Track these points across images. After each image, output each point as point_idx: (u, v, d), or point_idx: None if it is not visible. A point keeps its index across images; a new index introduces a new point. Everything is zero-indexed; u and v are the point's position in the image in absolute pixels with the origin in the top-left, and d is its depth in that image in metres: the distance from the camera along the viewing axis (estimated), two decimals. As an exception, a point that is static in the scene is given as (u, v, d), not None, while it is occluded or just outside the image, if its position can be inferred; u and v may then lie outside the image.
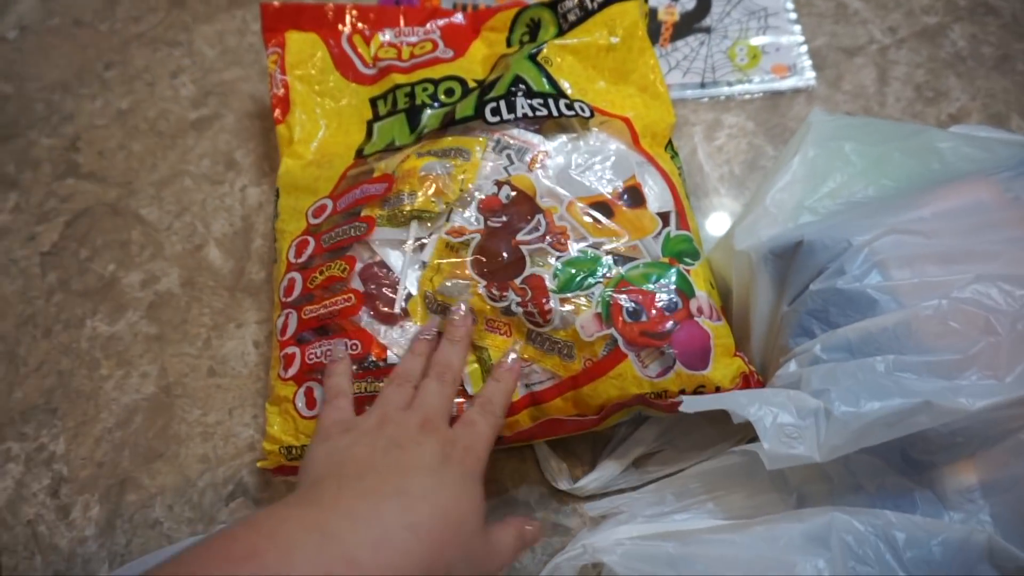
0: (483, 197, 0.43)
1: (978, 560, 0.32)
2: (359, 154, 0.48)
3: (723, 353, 0.40)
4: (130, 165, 0.55)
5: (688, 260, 0.42)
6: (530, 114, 0.44)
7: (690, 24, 0.59)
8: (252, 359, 0.49)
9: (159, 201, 0.54)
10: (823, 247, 0.38)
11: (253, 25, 0.60)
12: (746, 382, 0.40)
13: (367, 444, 0.34)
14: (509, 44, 0.51)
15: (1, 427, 0.47)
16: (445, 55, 0.51)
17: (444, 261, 0.42)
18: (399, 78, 0.50)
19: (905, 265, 0.36)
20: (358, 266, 0.43)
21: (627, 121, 0.46)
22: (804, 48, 0.57)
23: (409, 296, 0.42)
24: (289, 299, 0.44)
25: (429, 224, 0.43)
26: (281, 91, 0.50)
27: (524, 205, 0.43)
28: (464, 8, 0.56)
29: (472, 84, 0.49)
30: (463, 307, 0.40)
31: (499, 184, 0.43)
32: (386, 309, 0.42)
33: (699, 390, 0.39)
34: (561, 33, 0.49)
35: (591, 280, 0.40)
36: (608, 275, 0.40)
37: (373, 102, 0.50)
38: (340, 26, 0.52)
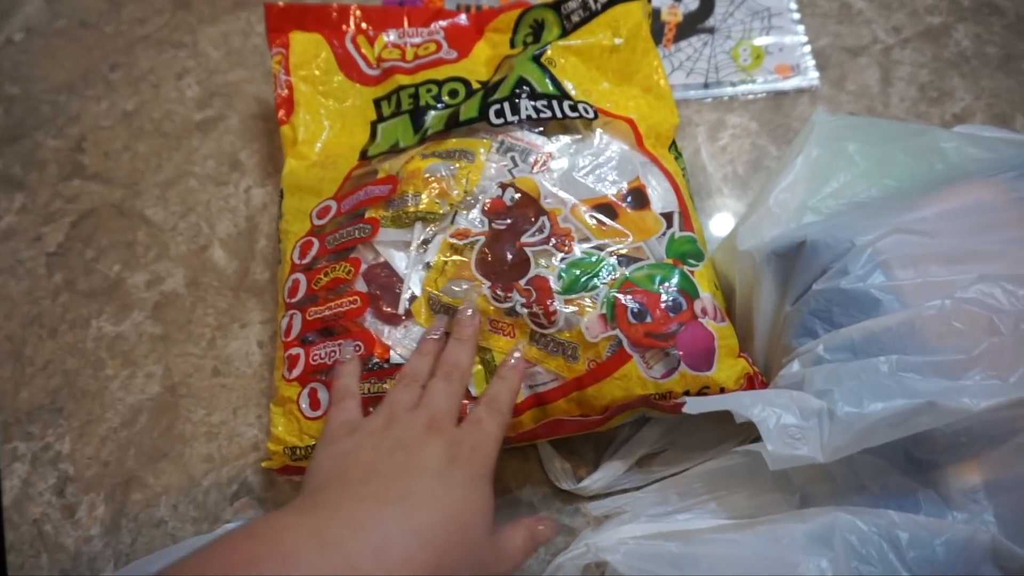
0: (488, 200, 0.43)
1: (982, 560, 0.32)
2: (363, 155, 0.48)
3: (727, 354, 0.40)
4: (135, 166, 0.56)
5: (692, 261, 0.42)
6: (534, 116, 0.44)
7: (693, 24, 0.59)
8: (256, 359, 0.49)
9: (164, 202, 0.54)
10: (826, 247, 0.38)
11: (257, 27, 0.60)
12: (750, 383, 0.40)
13: (372, 446, 0.34)
14: (513, 45, 0.51)
15: (7, 426, 0.48)
16: (449, 56, 0.51)
17: (448, 262, 0.42)
18: (403, 79, 0.50)
19: (908, 265, 0.36)
20: (362, 268, 0.43)
21: (631, 122, 0.46)
22: (808, 48, 0.57)
23: (413, 297, 0.42)
24: (293, 300, 0.44)
25: (433, 225, 0.43)
26: (285, 92, 0.51)
27: (528, 207, 0.43)
28: (468, 9, 0.56)
29: (476, 85, 0.49)
30: (471, 306, 0.40)
31: (503, 186, 0.43)
32: (390, 310, 0.42)
33: (703, 391, 0.39)
34: (565, 34, 0.49)
35: (595, 281, 0.40)
36: (612, 276, 0.40)
37: (377, 103, 0.50)
38: (344, 27, 0.53)
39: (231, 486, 0.45)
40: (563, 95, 0.46)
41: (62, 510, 0.45)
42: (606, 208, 0.43)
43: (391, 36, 0.52)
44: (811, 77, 0.56)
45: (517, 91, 0.45)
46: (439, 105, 0.49)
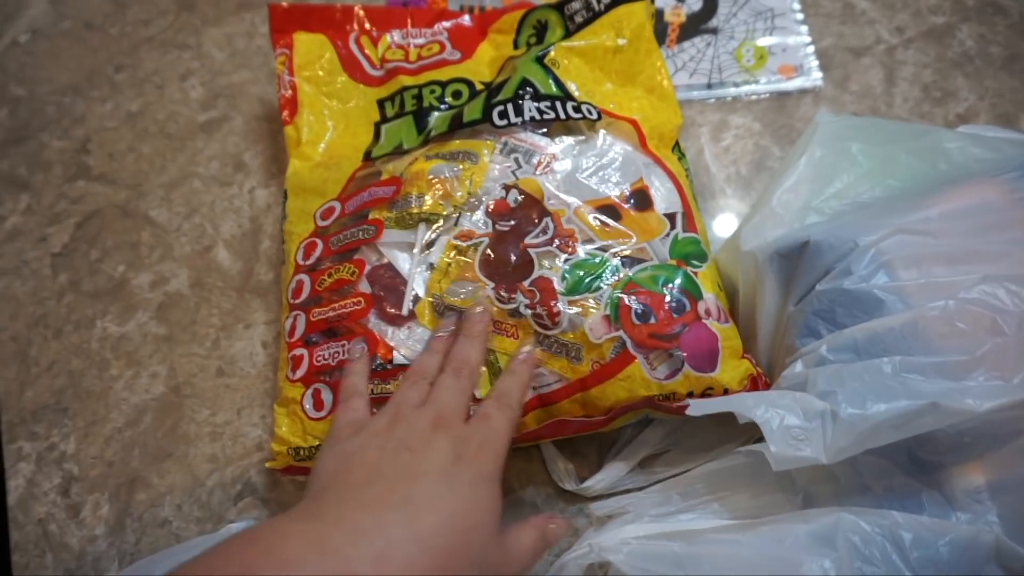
0: (492, 201, 0.43)
1: (985, 561, 0.32)
2: (367, 156, 0.48)
3: (731, 355, 0.40)
4: (140, 167, 0.56)
5: (696, 262, 0.42)
6: (537, 117, 0.45)
7: (696, 25, 0.59)
8: (260, 359, 0.49)
9: (168, 203, 0.54)
10: (829, 247, 0.38)
11: (261, 28, 0.60)
12: (754, 384, 0.40)
13: (376, 447, 0.34)
14: (516, 46, 0.51)
15: (13, 426, 0.48)
16: (452, 57, 0.51)
17: (452, 264, 0.42)
18: (406, 80, 0.50)
19: (912, 265, 0.36)
20: (366, 269, 0.43)
21: (634, 123, 0.46)
22: (811, 49, 0.57)
23: (417, 298, 0.42)
24: (297, 301, 0.44)
25: (437, 227, 0.43)
26: (289, 92, 0.51)
27: (532, 208, 0.43)
28: (471, 10, 0.56)
29: (479, 86, 0.49)
30: (482, 304, 0.40)
31: (507, 188, 0.43)
32: (393, 311, 0.42)
33: (707, 392, 0.39)
34: (568, 35, 0.49)
35: (599, 283, 0.40)
36: (616, 277, 0.41)
37: (380, 104, 0.51)
38: (348, 27, 0.53)
39: (235, 486, 0.45)
40: (566, 96, 0.46)
41: (67, 510, 0.45)
42: (610, 209, 0.43)
43: (395, 37, 0.52)
44: (814, 78, 0.56)
45: (521, 92, 0.45)
46: (442, 106, 0.49)
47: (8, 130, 0.57)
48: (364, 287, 0.43)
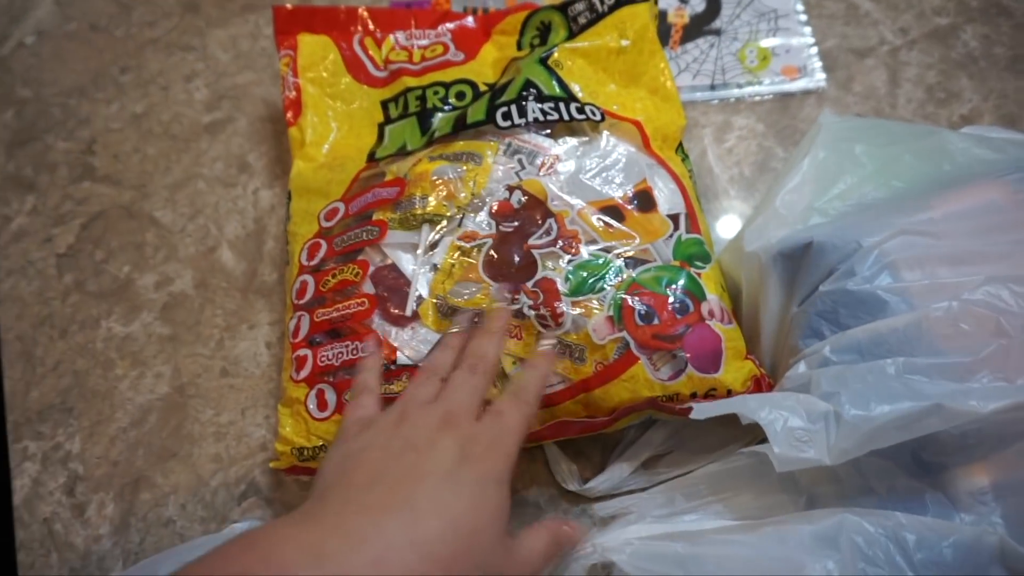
0: (495, 202, 0.43)
1: (989, 562, 0.32)
2: (371, 157, 0.48)
3: (734, 356, 0.40)
4: (144, 168, 0.56)
5: (699, 263, 0.42)
6: (541, 118, 0.45)
7: (700, 26, 0.59)
8: (264, 360, 0.49)
9: (173, 204, 0.55)
10: (833, 248, 0.38)
11: (266, 29, 0.60)
12: (757, 385, 0.40)
13: (381, 446, 0.33)
14: (520, 47, 0.51)
15: (18, 426, 0.48)
16: (456, 58, 0.51)
17: (456, 265, 0.42)
18: (410, 81, 0.50)
19: (915, 266, 0.36)
20: (370, 270, 0.43)
21: (638, 124, 0.46)
22: (814, 50, 0.57)
23: (420, 299, 0.42)
24: (301, 302, 0.44)
25: (441, 228, 0.43)
26: (293, 94, 0.51)
27: (536, 209, 0.43)
28: (475, 11, 0.56)
29: (483, 87, 0.49)
30: (504, 301, 0.39)
31: (511, 189, 0.43)
32: (397, 312, 0.42)
33: (711, 393, 0.39)
34: (571, 36, 0.49)
35: (603, 284, 0.40)
36: (620, 278, 0.41)
37: (384, 105, 0.51)
38: (352, 29, 0.53)
39: (239, 486, 0.46)
40: (570, 97, 0.46)
41: (72, 509, 0.45)
42: (613, 210, 0.43)
43: (398, 38, 0.52)
44: (818, 79, 0.56)
45: (524, 93, 0.46)
46: (446, 107, 0.49)
47: (14, 131, 0.58)
48: (368, 288, 0.43)
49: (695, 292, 0.41)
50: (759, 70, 0.57)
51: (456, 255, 0.42)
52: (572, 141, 0.46)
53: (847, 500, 0.36)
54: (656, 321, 0.40)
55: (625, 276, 0.41)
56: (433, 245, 0.43)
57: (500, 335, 0.38)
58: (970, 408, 0.31)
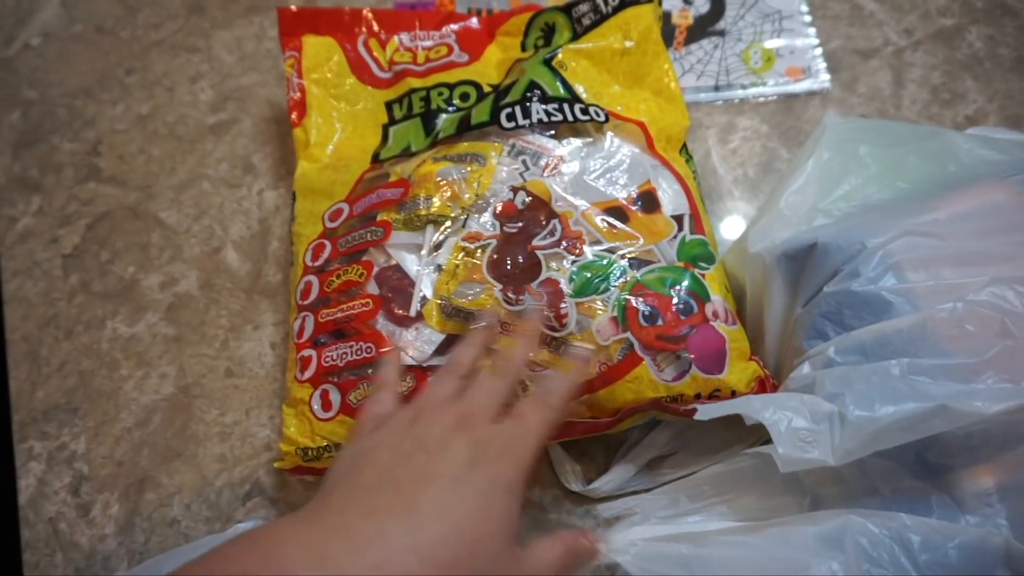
0: (499, 203, 0.43)
1: (994, 563, 0.32)
2: (375, 158, 0.48)
3: (739, 357, 0.40)
4: (150, 169, 0.56)
5: (703, 264, 0.42)
6: (545, 119, 0.45)
7: (704, 27, 0.59)
8: (269, 360, 0.49)
9: (178, 204, 0.55)
10: (837, 249, 0.38)
11: (270, 31, 0.61)
12: (761, 386, 0.40)
13: (391, 446, 0.32)
14: (524, 48, 0.51)
15: (24, 426, 0.48)
16: (460, 59, 0.51)
17: (460, 265, 0.42)
18: (414, 82, 0.50)
19: (920, 267, 0.36)
20: (374, 270, 0.43)
21: (642, 125, 0.46)
22: (819, 51, 0.57)
23: (424, 300, 0.42)
24: (306, 302, 0.44)
25: (445, 228, 0.43)
26: (298, 95, 0.51)
27: (540, 210, 0.43)
28: (479, 13, 0.56)
29: (487, 88, 0.49)
30: (540, 305, 0.38)
31: (515, 190, 0.44)
32: (401, 312, 0.42)
33: (715, 394, 0.39)
34: (575, 37, 0.49)
35: (607, 284, 0.40)
36: (624, 279, 0.41)
37: (389, 106, 0.51)
38: (356, 30, 0.53)
39: (243, 486, 0.46)
40: (574, 98, 0.46)
41: (77, 509, 0.46)
42: (617, 211, 0.43)
43: (403, 39, 0.53)
44: (822, 80, 0.56)
45: (528, 95, 0.46)
46: (450, 108, 0.49)
47: (20, 133, 0.58)
48: (372, 288, 0.43)
49: (699, 293, 0.41)
50: (763, 71, 0.57)
51: (460, 256, 0.42)
52: (576, 142, 0.46)
53: (851, 501, 0.36)
54: (660, 322, 0.40)
55: (629, 277, 0.41)
56: (437, 246, 0.43)
57: (533, 339, 0.38)
58: (975, 409, 0.31)
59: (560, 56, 0.48)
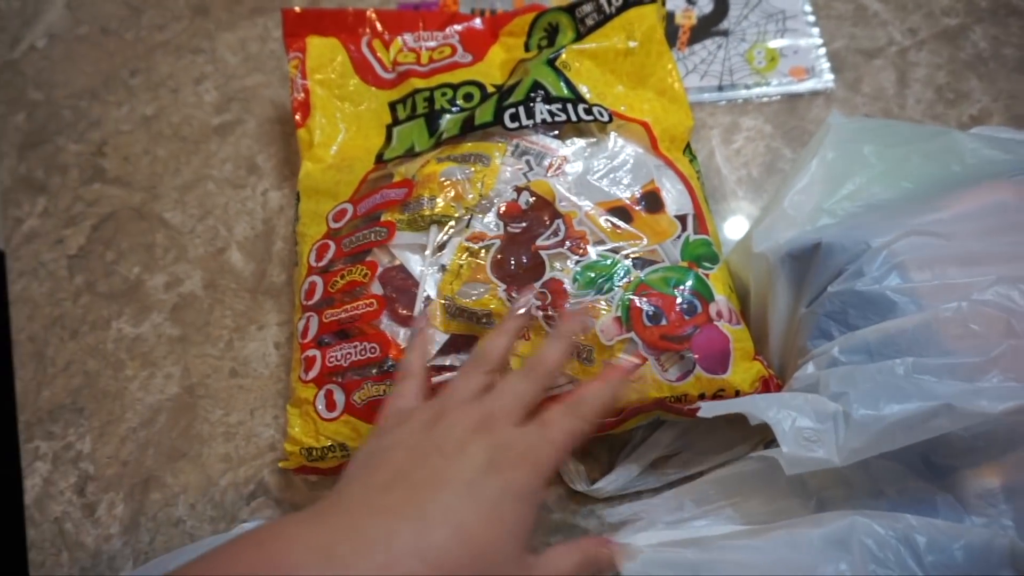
0: (503, 203, 0.43)
1: (1000, 564, 0.32)
2: (379, 159, 0.48)
3: (743, 357, 0.40)
4: (155, 170, 0.56)
5: (707, 264, 0.42)
6: (549, 119, 0.45)
7: (707, 28, 0.59)
8: (273, 360, 0.49)
9: (183, 205, 0.55)
10: (842, 249, 0.38)
11: (274, 32, 0.61)
12: (765, 386, 0.40)
13: (409, 447, 0.32)
14: (527, 49, 0.51)
15: (30, 426, 0.48)
16: (464, 60, 0.51)
17: (464, 265, 0.42)
18: (418, 82, 0.50)
19: (925, 267, 0.36)
20: (378, 270, 0.43)
21: (645, 125, 0.46)
22: (822, 50, 0.57)
23: (428, 300, 0.42)
24: (310, 302, 0.44)
25: (449, 228, 0.43)
26: (302, 95, 0.51)
27: (543, 210, 0.43)
28: (482, 13, 0.56)
29: (491, 89, 0.49)
30: (584, 306, 0.36)
31: (519, 190, 0.44)
32: (405, 312, 0.42)
33: (719, 394, 0.39)
34: (579, 38, 0.49)
35: (611, 284, 0.40)
36: (627, 279, 0.41)
37: (392, 106, 0.51)
38: (360, 31, 0.53)
39: (248, 486, 0.46)
40: (578, 99, 0.46)
41: (82, 509, 0.46)
42: (621, 211, 0.43)
43: (406, 40, 0.53)
44: (826, 79, 0.56)
45: (532, 95, 0.46)
46: (454, 108, 0.49)
47: (26, 134, 0.58)
48: (376, 289, 0.43)
49: (703, 293, 0.41)
50: (767, 71, 0.57)
51: (464, 256, 0.42)
52: (580, 142, 0.46)
53: (857, 503, 0.36)
54: (664, 322, 0.39)
55: (633, 277, 0.41)
56: (441, 246, 0.43)
57: (570, 342, 0.36)
58: (980, 408, 0.31)
59: (564, 56, 0.48)
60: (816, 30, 0.58)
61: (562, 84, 0.46)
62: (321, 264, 0.45)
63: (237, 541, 0.29)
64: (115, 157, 0.57)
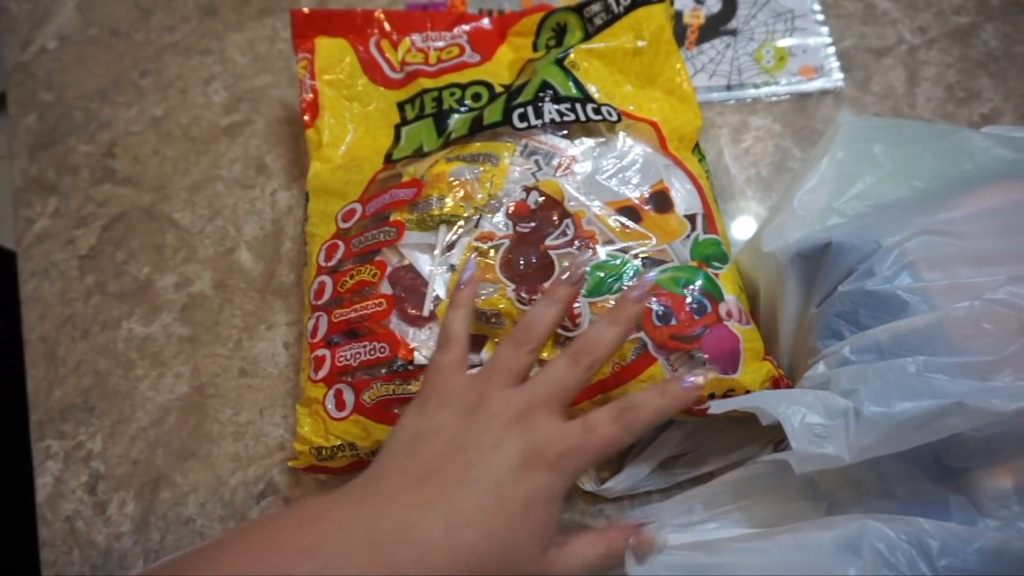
0: (512, 203, 0.43)
1: (1016, 568, 0.31)
2: (387, 159, 0.49)
3: (752, 357, 0.40)
4: (164, 170, 0.57)
5: (716, 264, 0.42)
6: (557, 119, 0.45)
7: (716, 27, 0.59)
8: (282, 360, 0.49)
9: (192, 205, 0.55)
10: (852, 248, 0.38)
11: (283, 32, 0.61)
12: (775, 386, 0.40)
13: (448, 438, 0.32)
14: (535, 49, 0.51)
15: (41, 425, 0.49)
16: (472, 59, 0.51)
17: (481, 272, 0.42)
18: (426, 82, 0.50)
19: (936, 266, 0.36)
20: (388, 270, 0.43)
21: (654, 125, 0.46)
22: (832, 49, 0.57)
23: (438, 299, 0.42)
24: (319, 302, 0.44)
25: (458, 228, 0.43)
26: (310, 96, 0.51)
27: (552, 210, 0.43)
28: (490, 13, 0.56)
29: (499, 89, 0.49)
30: (646, 280, 0.35)
31: (527, 190, 0.44)
32: (415, 312, 0.42)
33: (728, 394, 0.39)
34: (587, 37, 0.49)
35: (620, 284, 0.40)
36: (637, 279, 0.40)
37: (401, 106, 0.51)
38: (368, 31, 0.53)
39: (258, 485, 0.46)
40: (586, 98, 0.46)
41: (93, 507, 0.46)
42: (630, 211, 0.43)
43: (415, 40, 0.53)
44: (835, 78, 0.56)
45: (541, 95, 0.46)
46: (462, 108, 0.49)
47: (37, 135, 0.59)
48: (385, 288, 0.43)
49: (713, 293, 0.40)
50: (776, 70, 0.57)
51: (473, 256, 0.42)
52: (589, 142, 0.46)
53: (868, 505, 0.36)
54: (674, 322, 0.39)
55: (651, 280, 0.40)
56: (450, 246, 0.43)
57: (626, 327, 0.35)
58: (992, 407, 0.31)
59: (572, 56, 0.47)
60: (825, 29, 0.58)
61: (571, 84, 0.46)
62: (330, 264, 0.45)
63: (286, 516, 0.31)
64: (125, 158, 0.57)
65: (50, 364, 0.50)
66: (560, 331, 0.40)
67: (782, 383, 0.40)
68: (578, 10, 0.50)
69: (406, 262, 0.44)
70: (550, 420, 0.32)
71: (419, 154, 0.48)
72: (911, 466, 0.35)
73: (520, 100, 0.46)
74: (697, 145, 0.48)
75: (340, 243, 0.46)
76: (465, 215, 0.43)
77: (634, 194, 0.44)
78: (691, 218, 0.43)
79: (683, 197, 0.44)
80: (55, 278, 0.53)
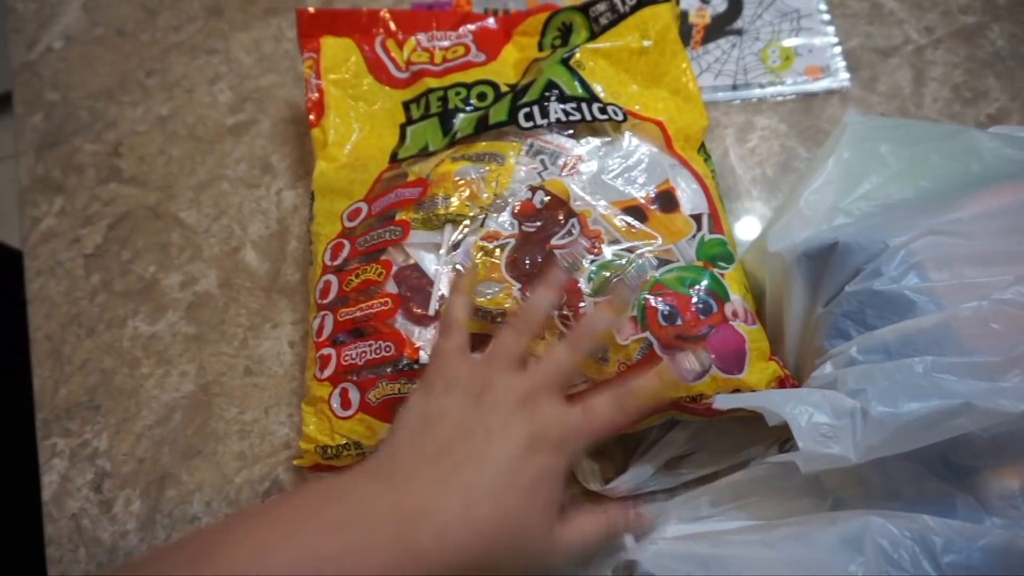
0: (518, 203, 0.43)
1: (1021, 566, 0.31)
2: (393, 158, 0.49)
3: (758, 357, 0.40)
4: (170, 170, 0.57)
5: (722, 264, 0.42)
6: (563, 119, 0.45)
7: (721, 27, 0.59)
8: (287, 359, 0.49)
9: (198, 204, 0.55)
10: (859, 248, 0.38)
11: (288, 32, 0.61)
12: (781, 386, 0.40)
13: (455, 421, 0.34)
14: (541, 48, 0.51)
15: (47, 423, 0.49)
16: (477, 59, 0.51)
17: (479, 264, 0.42)
18: (432, 82, 0.51)
19: (944, 266, 0.36)
20: (393, 269, 0.43)
21: (660, 124, 0.46)
22: (838, 49, 0.57)
23: (443, 299, 0.42)
24: (325, 301, 0.45)
25: (464, 228, 0.43)
26: (316, 95, 0.51)
27: (558, 209, 0.43)
28: (496, 12, 0.56)
29: (504, 88, 0.49)
30: (640, 272, 0.37)
31: (533, 189, 0.44)
32: (420, 311, 0.42)
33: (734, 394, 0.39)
34: (593, 37, 0.49)
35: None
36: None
37: (406, 106, 0.51)
38: (374, 31, 0.53)
39: (263, 483, 0.46)
40: (592, 98, 0.46)
41: (99, 505, 0.46)
42: (636, 210, 0.43)
43: (420, 39, 0.53)
44: (841, 78, 0.56)
45: (546, 94, 0.46)
46: (467, 108, 0.49)
47: (43, 135, 0.59)
48: (391, 287, 0.43)
49: (718, 292, 0.40)
50: (781, 70, 0.56)
51: (479, 255, 0.42)
52: (594, 141, 0.46)
53: (873, 503, 0.36)
54: (679, 321, 0.39)
55: (648, 276, 0.41)
56: (456, 245, 0.43)
57: (619, 310, 0.37)
58: (1000, 407, 0.31)
59: (578, 56, 0.47)
60: (831, 29, 0.57)
61: (576, 83, 0.46)
62: (336, 263, 0.45)
63: (315, 492, 0.32)
64: (131, 157, 0.57)
65: (56, 362, 0.51)
66: (566, 331, 0.40)
67: (788, 383, 0.40)
68: (584, 9, 0.50)
69: (412, 261, 0.44)
70: (552, 404, 0.34)
71: (425, 153, 0.48)
72: (918, 465, 0.35)
73: (526, 99, 0.46)
74: (703, 145, 0.48)
75: (346, 242, 0.46)
76: (471, 214, 0.43)
77: (640, 194, 0.44)
78: (697, 218, 0.43)
79: (689, 197, 0.44)
80: (61, 277, 0.53)
